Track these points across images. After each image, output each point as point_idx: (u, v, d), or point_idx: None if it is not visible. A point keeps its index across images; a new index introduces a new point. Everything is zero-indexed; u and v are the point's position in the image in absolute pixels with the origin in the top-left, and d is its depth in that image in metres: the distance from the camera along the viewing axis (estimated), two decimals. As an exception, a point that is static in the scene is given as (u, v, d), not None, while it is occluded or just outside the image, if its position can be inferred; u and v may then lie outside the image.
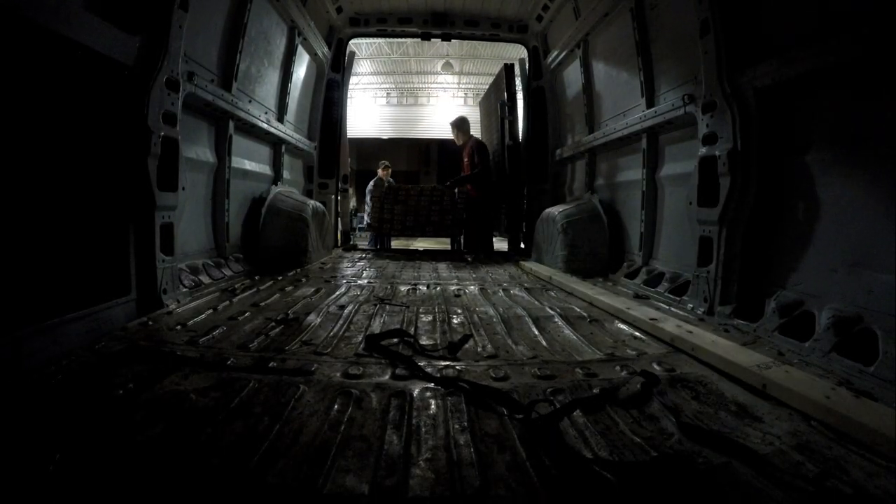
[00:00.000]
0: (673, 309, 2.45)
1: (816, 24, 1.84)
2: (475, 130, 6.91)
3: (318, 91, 4.92)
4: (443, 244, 5.83)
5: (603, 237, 3.69)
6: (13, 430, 1.07)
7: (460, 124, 5.64)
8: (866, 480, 0.93)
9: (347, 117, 5.46)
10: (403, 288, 3.02)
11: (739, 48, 2.22)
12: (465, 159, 5.57)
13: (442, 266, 4.18)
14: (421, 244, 6.15)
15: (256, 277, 3.16)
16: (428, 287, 3.07)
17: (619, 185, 3.79)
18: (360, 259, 4.57)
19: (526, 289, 3.08)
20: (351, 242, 5.81)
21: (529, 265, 3.97)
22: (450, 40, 5.48)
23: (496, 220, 5.82)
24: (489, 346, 1.83)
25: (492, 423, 1.17)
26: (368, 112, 16.60)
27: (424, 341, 1.88)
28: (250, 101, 3.32)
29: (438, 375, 1.47)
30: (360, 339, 1.86)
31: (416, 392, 1.34)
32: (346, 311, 2.31)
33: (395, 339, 1.83)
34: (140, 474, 0.93)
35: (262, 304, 2.40)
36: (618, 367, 1.59)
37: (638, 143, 3.33)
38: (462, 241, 5.60)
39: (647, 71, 3.20)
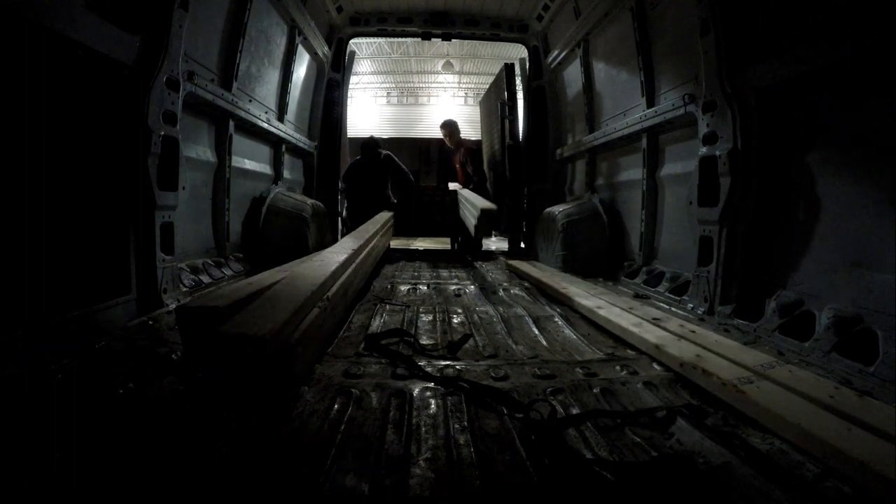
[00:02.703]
0: (673, 309, 2.45)
1: (817, 24, 1.84)
2: (475, 130, 6.90)
3: (318, 90, 4.92)
4: (443, 244, 5.82)
5: (603, 237, 3.69)
6: (13, 429, 1.07)
7: (451, 126, 5.73)
8: (867, 480, 0.93)
9: (348, 117, 5.45)
10: (403, 288, 3.02)
11: (740, 48, 2.22)
12: (457, 165, 5.68)
13: (442, 266, 4.18)
14: (421, 244, 6.15)
15: (256, 277, 3.15)
16: (428, 287, 3.07)
17: (619, 185, 3.79)
18: None
19: (526, 288, 3.08)
20: None
21: (517, 264, 3.89)
22: (450, 40, 5.47)
23: (496, 220, 5.82)
24: (489, 345, 1.83)
25: (492, 422, 1.17)
26: (369, 112, 16.58)
27: (424, 341, 1.88)
28: (250, 101, 3.31)
29: (438, 375, 1.47)
30: (361, 338, 1.86)
31: (416, 392, 1.34)
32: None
33: (395, 339, 1.83)
34: (140, 474, 0.93)
35: (263, 303, 2.39)
36: (618, 367, 1.59)
37: (638, 143, 3.33)
38: (462, 240, 5.60)
39: (648, 70, 3.19)
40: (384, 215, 4.55)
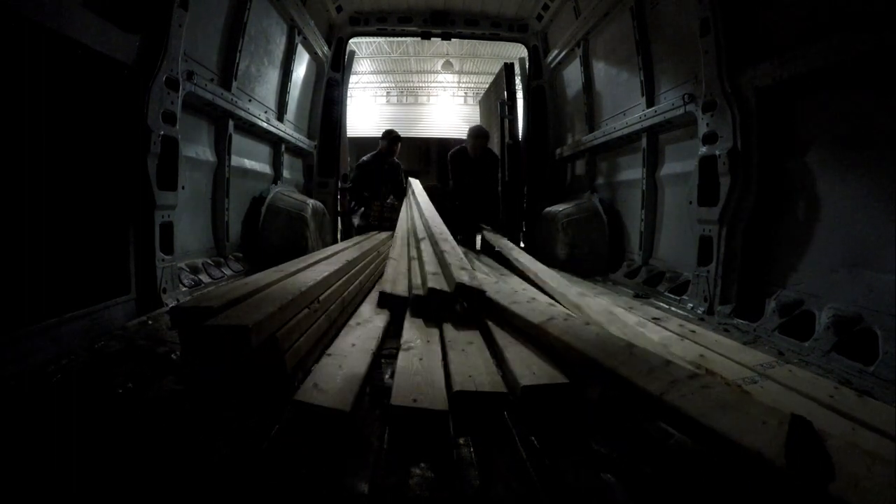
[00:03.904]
0: (673, 308, 2.45)
1: (816, 24, 1.84)
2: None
3: (318, 90, 4.92)
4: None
5: (603, 237, 3.69)
6: (13, 429, 1.07)
7: (487, 136, 5.00)
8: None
9: (347, 116, 5.44)
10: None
11: (740, 47, 2.22)
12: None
13: None
14: (421, 243, 6.14)
15: (256, 277, 3.15)
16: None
17: (619, 185, 3.79)
18: None
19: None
20: None
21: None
22: (450, 39, 5.46)
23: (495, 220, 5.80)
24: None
25: (492, 421, 1.17)
26: (368, 111, 16.59)
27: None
28: (250, 101, 3.31)
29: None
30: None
31: (416, 391, 1.34)
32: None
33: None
34: (140, 474, 0.93)
35: (262, 303, 2.38)
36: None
37: (638, 143, 3.33)
38: (461, 239, 5.58)
39: (647, 70, 3.20)
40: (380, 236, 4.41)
